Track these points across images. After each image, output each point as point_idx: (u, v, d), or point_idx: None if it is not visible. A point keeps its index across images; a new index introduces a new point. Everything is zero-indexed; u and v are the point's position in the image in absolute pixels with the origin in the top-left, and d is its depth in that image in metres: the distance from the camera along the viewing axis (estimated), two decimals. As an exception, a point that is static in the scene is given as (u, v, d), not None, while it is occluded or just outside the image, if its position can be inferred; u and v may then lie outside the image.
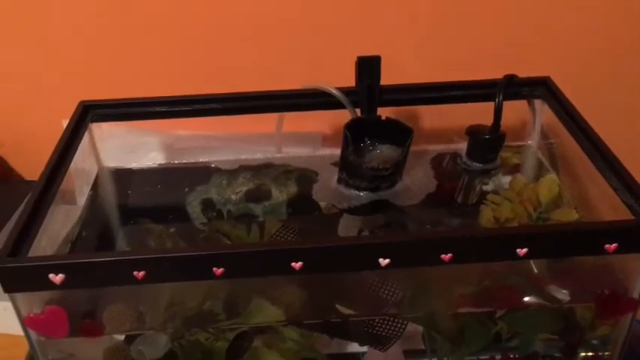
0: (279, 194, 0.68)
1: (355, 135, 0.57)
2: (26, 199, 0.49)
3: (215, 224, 0.65)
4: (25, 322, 0.46)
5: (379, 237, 0.49)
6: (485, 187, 0.62)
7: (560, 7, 0.71)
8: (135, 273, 0.42)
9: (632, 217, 0.46)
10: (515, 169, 0.64)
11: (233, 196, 0.68)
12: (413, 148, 0.58)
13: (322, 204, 0.63)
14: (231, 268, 0.42)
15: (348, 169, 0.59)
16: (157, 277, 0.43)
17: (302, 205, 0.65)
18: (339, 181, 0.61)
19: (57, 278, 0.42)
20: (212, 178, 0.69)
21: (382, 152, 0.60)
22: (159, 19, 0.73)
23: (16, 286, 0.43)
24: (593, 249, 0.44)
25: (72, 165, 0.57)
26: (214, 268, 0.42)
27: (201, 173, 0.69)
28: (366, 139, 0.60)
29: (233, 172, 0.70)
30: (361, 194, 0.59)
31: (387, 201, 0.59)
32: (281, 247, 0.44)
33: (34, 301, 0.46)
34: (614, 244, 0.43)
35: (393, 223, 0.60)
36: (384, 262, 0.42)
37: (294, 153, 0.70)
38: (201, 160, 0.71)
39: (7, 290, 0.43)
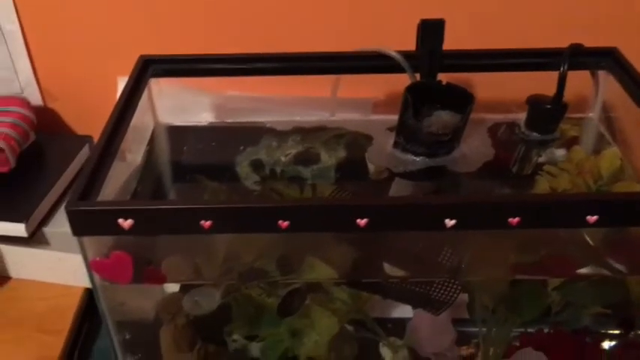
0: (329, 158, 0.68)
1: (415, 99, 0.57)
2: (92, 150, 0.49)
3: (267, 184, 0.65)
4: (91, 266, 0.47)
5: (447, 197, 0.48)
6: (542, 159, 0.61)
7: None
8: (202, 222, 0.43)
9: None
10: (574, 142, 0.63)
11: (282, 158, 0.69)
12: (472, 115, 0.57)
13: (373, 168, 0.63)
14: (298, 221, 0.43)
15: (406, 133, 0.58)
16: (223, 228, 0.44)
17: (353, 169, 0.65)
18: (396, 145, 0.60)
19: (126, 223, 0.43)
20: (262, 140, 0.69)
21: (441, 118, 0.59)
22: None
23: (87, 230, 0.44)
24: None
25: (132, 120, 0.58)
26: (280, 221, 0.43)
27: (252, 134, 0.69)
28: (426, 104, 0.59)
29: (283, 135, 0.70)
30: (417, 159, 0.59)
31: (443, 167, 0.59)
32: (348, 202, 0.44)
33: (99, 247, 0.47)
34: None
35: (449, 190, 0.60)
36: (450, 222, 0.42)
37: (348, 117, 0.70)
38: (253, 120, 0.71)
39: (76, 233, 0.44)
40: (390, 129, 0.62)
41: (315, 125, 0.70)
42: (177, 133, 0.69)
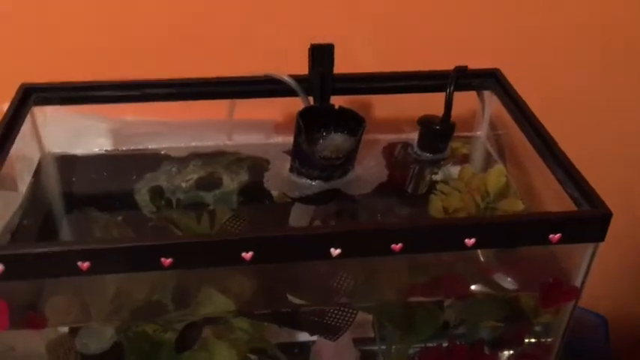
0: (231, 182, 0.68)
1: (308, 123, 0.57)
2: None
3: (164, 213, 0.63)
4: (-39, 315, 0.44)
5: (330, 227, 0.49)
6: (435, 177, 0.63)
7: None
8: (79, 264, 0.41)
9: (576, 209, 0.47)
10: (464, 160, 0.65)
11: (183, 184, 0.67)
12: (365, 137, 0.58)
13: (274, 192, 0.62)
14: (180, 258, 0.42)
15: (301, 157, 0.59)
16: (103, 269, 0.42)
17: (253, 193, 0.65)
18: (292, 169, 0.60)
19: (-5, 269, 0.40)
20: (161, 166, 0.67)
21: (334, 141, 0.59)
22: None
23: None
24: (538, 239, 0.45)
25: (13, 150, 0.55)
26: (162, 259, 0.41)
27: (149, 160, 0.67)
28: (319, 127, 0.60)
29: (183, 160, 0.69)
30: (313, 183, 0.59)
31: (338, 190, 0.59)
32: (231, 237, 0.44)
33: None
34: (557, 235, 0.44)
35: (345, 213, 0.60)
36: (335, 252, 0.42)
37: (245, 141, 0.70)
38: (150, 147, 0.69)
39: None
40: (287, 152, 0.62)
41: (215, 150, 0.69)
42: (69, 162, 0.66)
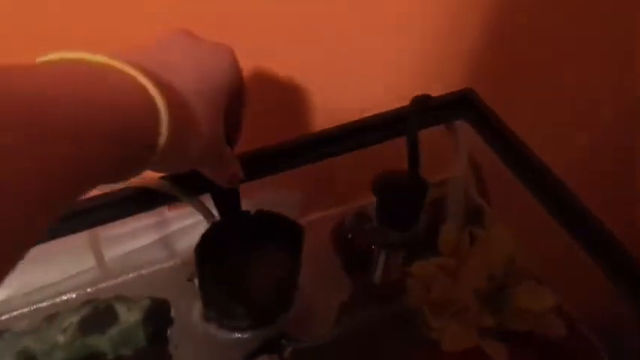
0: (128, 312, 0.47)
1: (211, 250, 0.37)
2: None
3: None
4: None
5: None
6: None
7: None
8: None
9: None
10: (441, 216, 0.46)
11: (61, 337, 0.47)
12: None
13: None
14: None
15: (215, 305, 0.39)
16: None
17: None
18: (206, 318, 0.40)
19: None
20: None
21: (262, 267, 0.39)
22: None
23: None
24: None
25: None
26: None
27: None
28: (233, 250, 0.39)
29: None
30: (245, 336, 0.40)
31: (283, 335, 0.40)
32: None
33: None
34: None
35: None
36: None
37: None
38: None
39: None
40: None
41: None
42: None
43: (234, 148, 0.34)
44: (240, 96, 0.32)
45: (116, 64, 0.23)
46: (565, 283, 0.41)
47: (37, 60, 0.22)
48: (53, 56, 0.22)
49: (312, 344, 0.38)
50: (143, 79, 0.23)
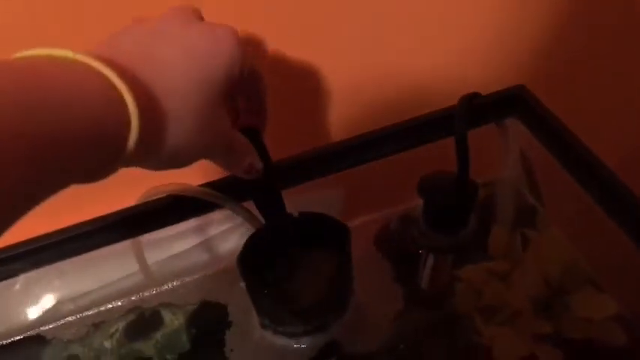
0: (173, 317, 0.47)
1: (256, 260, 0.36)
2: None
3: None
4: None
5: None
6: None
7: None
8: None
9: None
10: (490, 218, 0.44)
11: (107, 343, 0.47)
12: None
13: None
14: None
15: (268, 313, 0.38)
16: None
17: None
18: (263, 326, 0.40)
19: None
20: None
21: (309, 273, 0.38)
22: None
23: None
24: None
25: None
26: None
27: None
28: (277, 257, 0.38)
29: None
30: (302, 346, 0.39)
31: (335, 344, 0.39)
32: None
33: None
34: None
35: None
36: None
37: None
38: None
39: None
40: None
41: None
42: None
43: (263, 136, 0.33)
44: (255, 82, 0.30)
45: (80, 58, 0.22)
46: (623, 289, 0.40)
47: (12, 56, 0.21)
48: (28, 53, 0.22)
49: (366, 351, 0.37)
50: (108, 72, 0.22)
